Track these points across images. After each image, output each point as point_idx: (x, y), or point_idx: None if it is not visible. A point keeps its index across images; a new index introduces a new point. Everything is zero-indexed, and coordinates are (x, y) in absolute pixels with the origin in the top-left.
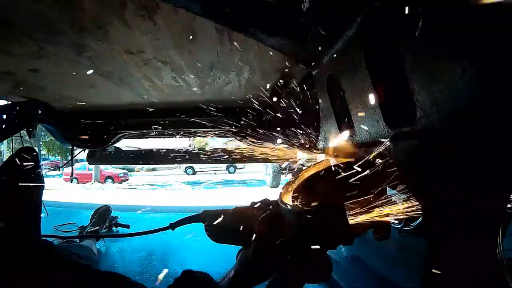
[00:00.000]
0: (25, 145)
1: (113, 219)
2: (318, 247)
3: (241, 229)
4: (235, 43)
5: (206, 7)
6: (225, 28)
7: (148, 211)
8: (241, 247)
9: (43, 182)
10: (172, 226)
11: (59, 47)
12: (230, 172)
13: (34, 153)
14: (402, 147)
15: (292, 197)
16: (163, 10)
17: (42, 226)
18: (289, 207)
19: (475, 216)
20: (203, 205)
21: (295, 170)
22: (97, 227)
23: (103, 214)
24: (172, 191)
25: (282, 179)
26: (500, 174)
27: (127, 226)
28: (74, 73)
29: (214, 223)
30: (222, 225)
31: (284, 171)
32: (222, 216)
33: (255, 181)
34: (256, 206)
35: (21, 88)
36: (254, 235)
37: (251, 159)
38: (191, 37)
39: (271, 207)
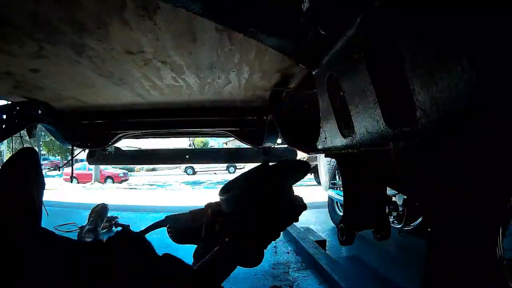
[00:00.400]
0: (25, 145)
1: (113, 219)
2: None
3: (197, 228)
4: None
5: (206, 7)
6: (225, 28)
7: (148, 211)
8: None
9: (44, 183)
10: (143, 233)
11: (59, 47)
12: (230, 172)
13: (35, 154)
14: (402, 147)
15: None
16: (163, 10)
17: (42, 225)
18: (221, 196)
19: (475, 216)
20: (203, 205)
21: None
22: (95, 226)
23: (100, 212)
24: (172, 191)
25: None
26: (500, 174)
27: (127, 226)
28: (74, 73)
29: (174, 225)
30: (181, 227)
31: None
32: (181, 219)
33: None
34: (208, 205)
35: (21, 88)
36: (203, 229)
37: (251, 158)
38: (191, 37)
39: (215, 203)
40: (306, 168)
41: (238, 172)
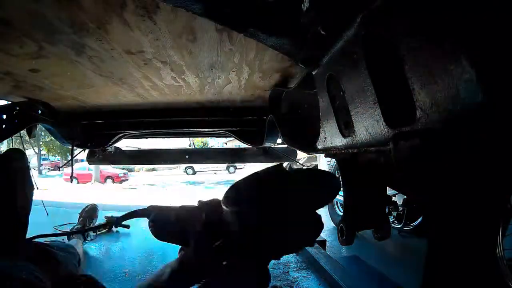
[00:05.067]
0: (25, 145)
1: (112, 219)
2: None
3: (185, 229)
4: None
5: (206, 7)
6: (225, 28)
7: None
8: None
9: (32, 184)
10: (119, 220)
11: (59, 47)
12: (230, 172)
13: (22, 156)
14: (402, 147)
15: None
16: (163, 10)
17: (42, 226)
18: (227, 208)
19: (475, 216)
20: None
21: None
22: (83, 225)
23: (89, 213)
24: (172, 191)
25: None
26: (500, 174)
27: (127, 226)
28: (74, 73)
29: (159, 220)
30: (167, 223)
31: None
32: (168, 213)
33: None
34: (200, 205)
35: (21, 88)
36: (194, 236)
37: (251, 159)
38: (191, 37)
39: (212, 207)
40: (335, 188)
41: (238, 173)
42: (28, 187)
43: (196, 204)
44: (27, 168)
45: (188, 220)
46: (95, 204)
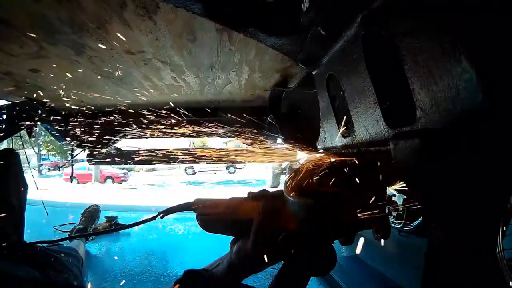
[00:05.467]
0: (25, 145)
1: (112, 219)
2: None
3: (237, 220)
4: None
5: (206, 7)
6: (225, 28)
7: (148, 212)
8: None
9: (27, 185)
10: (161, 215)
11: (59, 47)
12: (230, 172)
13: (15, 156)
14: (402, 147)
15: (297, 189)
16: (163, 10)
17: (42, 226)
18: (296, 199)
19: (475, 216)
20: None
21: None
22: (85, 226)
23: (91, 213)
24: (172, 191)
25: (282, 179)
26: (500, 174)
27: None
28: (74, 73)
29: (208, 212)
30: (217, 215)
31: (284, 171)
32: (217, 206)
33: (255, 181)
34: (254, 197)
35: (21, 88)
36: (253, 228)
37: (251, 159)
38: (191, 37)
39: (270, 198)
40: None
41: (238, 173)
42: (21, 186)
43: (245, 196)
44: (20, 168)
45: (243, 211)
46: (97, 205)
